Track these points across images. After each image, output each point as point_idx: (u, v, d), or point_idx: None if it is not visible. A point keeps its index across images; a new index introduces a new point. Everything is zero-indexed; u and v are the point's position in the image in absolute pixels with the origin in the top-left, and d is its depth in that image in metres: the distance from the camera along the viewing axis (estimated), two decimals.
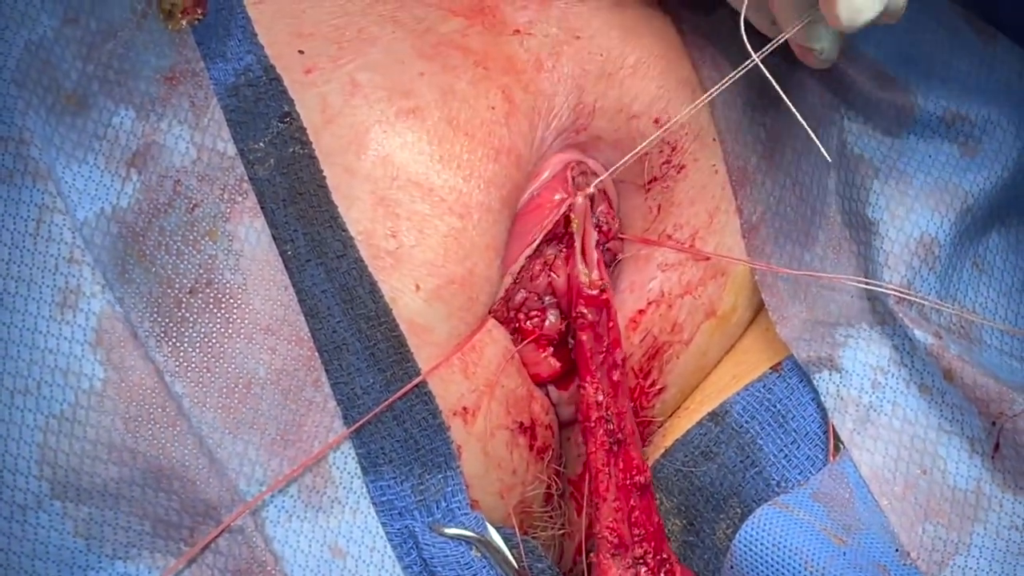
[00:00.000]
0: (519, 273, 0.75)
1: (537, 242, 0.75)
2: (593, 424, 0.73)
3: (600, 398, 0.74)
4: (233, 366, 0.67)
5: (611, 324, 0.74)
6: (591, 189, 0.76)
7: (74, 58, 0.68)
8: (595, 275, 0.74)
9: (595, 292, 0.74)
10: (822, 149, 0.72)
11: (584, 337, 0.74)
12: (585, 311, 0.74)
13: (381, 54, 0.72)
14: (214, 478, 0.66)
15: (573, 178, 0.76)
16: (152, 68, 0.70)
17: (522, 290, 0.75)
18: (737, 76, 0.74)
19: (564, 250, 0.76)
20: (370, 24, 0.73)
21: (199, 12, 0.71)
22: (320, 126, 0.70)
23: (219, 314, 0.67)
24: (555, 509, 0.77)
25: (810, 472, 0.73)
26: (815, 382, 0.74)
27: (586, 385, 0.74)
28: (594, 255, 0.75)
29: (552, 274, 0.75)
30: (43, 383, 0.65)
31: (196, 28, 0.71)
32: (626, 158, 0.75)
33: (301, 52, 0.72)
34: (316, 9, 0.73)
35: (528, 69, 0.74)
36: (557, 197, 0.76)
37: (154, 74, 0.69)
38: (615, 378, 0.74)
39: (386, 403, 0.68)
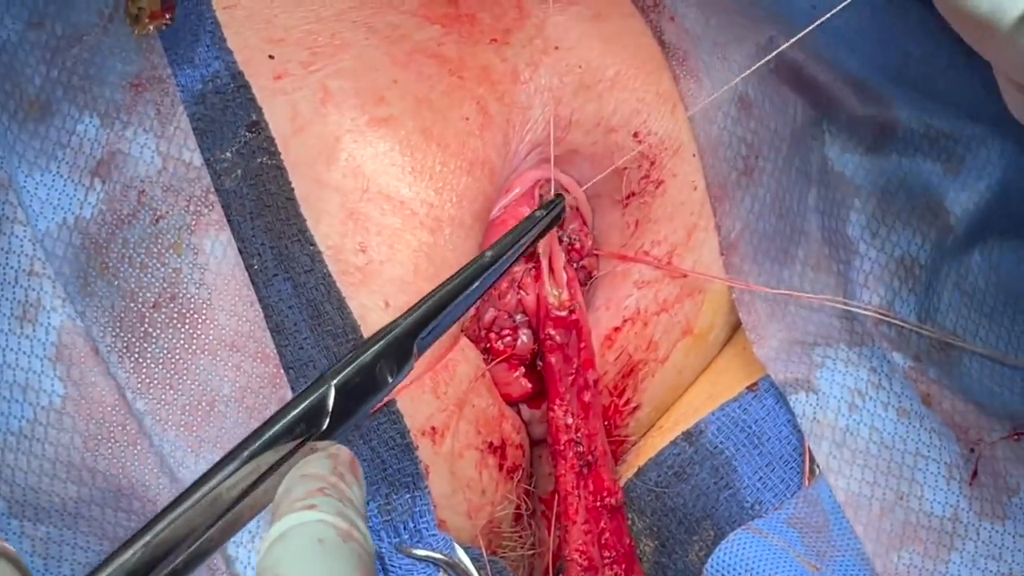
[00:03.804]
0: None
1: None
2: (562, 447, 0.72)
3: (569, 421, 0.72)
4: (196, 383, 0.65)
5: (582, 345, 0.73)
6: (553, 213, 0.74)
7: (38, 63, 0.66)
8: (564, 296, 0.73)
9: (564, 313, 0.73)
10: None
11: (553, 359, 0.72)
12: (553, 333, 0.73)
13: (354, 61, 0.71)
14: None
15: (541, 196, 0.74)
16: (118, 74, 0.68)
17: (491, 308, 0.74)
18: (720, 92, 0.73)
19: (533, 268, 0.74)
20: (343, 30, 0.72)
21: (167, 17, 0.69)
22: (289, 135, 0.69)
23: (183, 330, 0.65)
24: (525, 529, 0.76)
25: (785, 495, 0.72)
26: (791, 404, 0.72)
27: (555, 408, 0.72)
28: (563, 275, 0.74)
29: (521, 291, 0.74)
30: (1, 399, 0.63)
31: (164, 33, 0.69)
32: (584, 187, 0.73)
33: (271, 57, 0.70)
34: (288, 14, 0.72)
35: (504, 80, 0.73)
36: (523, 212, 0.74)
37: (120, 80, 0.68)
38: (586, 399, 0.73)
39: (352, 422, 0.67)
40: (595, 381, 0.74)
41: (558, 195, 0.71)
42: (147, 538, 0.47)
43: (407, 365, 0.54)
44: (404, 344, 0.54)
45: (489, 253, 0.59)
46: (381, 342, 0.53)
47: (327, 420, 0.51)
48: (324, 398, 0.51)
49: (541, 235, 0.66)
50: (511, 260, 0.61)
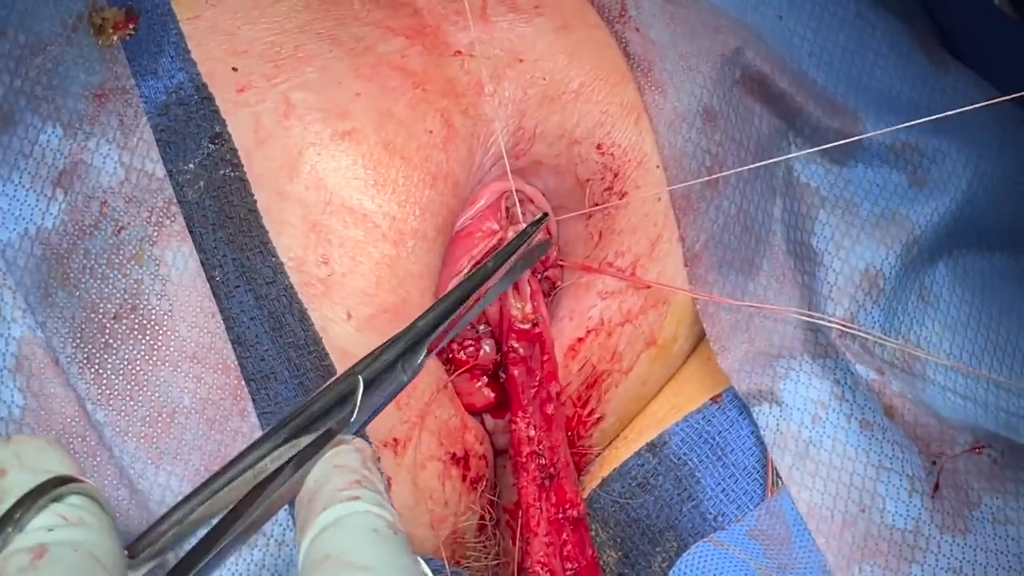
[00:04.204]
0: None
1: (465, 271, 0.73)
2: (524, 459, 0.72)
3: (532, 433, 0.72)
4: (157, 394, 0.65)
5: (545, 357, 0.73)
6: (523, 224, 0.74)
7: (1, 72, 0.66)
8: (528, 308, 0.73)
9: (527, 326, 0.73)
10: None
11: (516, 372, 0.72)
12: (516, 345, 0.73)
13: (317, 73, 0.71)
14: (134, 510, 0.64)
15: (507, 209, 0.74)
16: (81, 84, 0.68)
17: None
18: (680, 105, 0.74)
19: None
20: (307, 42, 0.72)
21: (131, 27, 0.69)
22: (252, 147, 0.68)
23: (144, 341, 0.65)
24: (489, 539, 0.76)
25: (748, 507, 0.72)
26: (755, 415, 0.72)
27: (517, 420, 0.72)
28: (527, 288, 0.74)
29: None
30: None
31: (127, 44, 0.69)
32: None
33: (235, 69, 0.70)
34: (252, 26, 0.71)
35: (468, 92, 0.73)
36: (488, 227, 0.74)
37: (83, 91, 0.68)
38: (549, 412, 0.73)
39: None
40: (558, 393, 0.74)
41: (544, 214, 0.75)
42: (203, 496, 0.51)
43: (421, 364, 0.60)
44: (419, 344, 0.60)
45: (491, 263, 0.66)
46: (402, 341, 0.59)
47: (355, 411, 0.55)
48: (354, 389, 0.56)
49: (535, 255, 0.73)
50: (506, 271, 0.69)
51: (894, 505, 0.71)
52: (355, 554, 0.46)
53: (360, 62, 0.71)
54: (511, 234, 0.74)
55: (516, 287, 0.74)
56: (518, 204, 0.75)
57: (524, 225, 0.74)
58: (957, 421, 0.73)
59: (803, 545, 0.70)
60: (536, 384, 0.73)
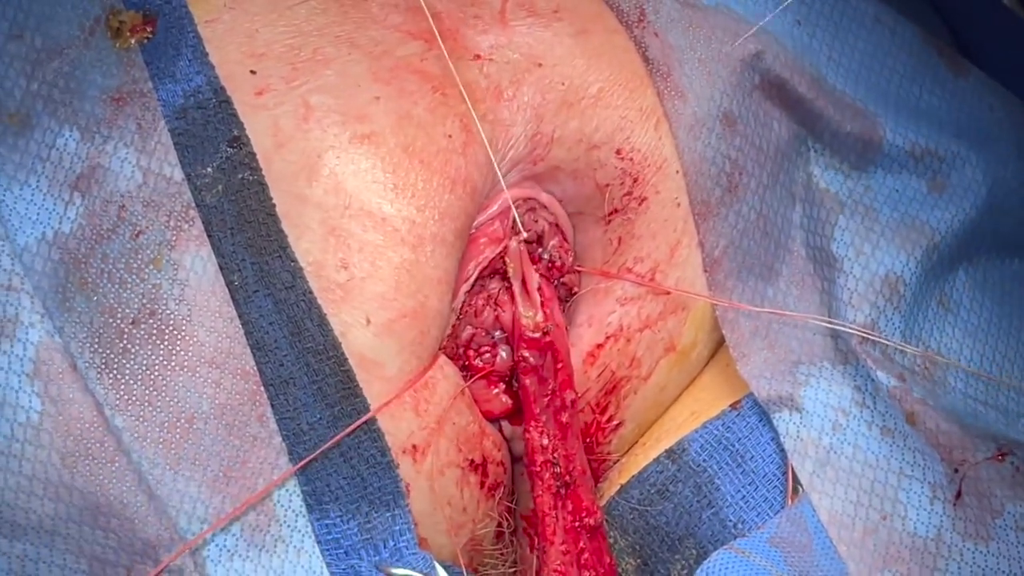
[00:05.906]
0: (461, 309, 0.73)
1: (473, 278, 0.73)
2: (539, 468, 0.72)
3: (545, 442, 0.72)
4: (175, 400, 0.65)
5: (559, 365, 0.72)
6: (524, 235, 0.74)
7: (18, 76, 0.66)
8: (539, 317, 0.73)
9: (537, 335, 0.72)
10: None
11: (527, 381, 0.72)
12: (527, 355, 0.72)
13: (336, 76, 0.70)
14: (153, 516, 0.64)
15: (515, 217, 0.74)
16: (99, 88, 0.67)
17: (468, 326, 0.73)
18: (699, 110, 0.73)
19: (508, 286, 0.74)
20: (326, 45, 0.71)
21: (148, 30, 0.69)
22: (271, 151, 0.68)
23: (162, 346, 0.65)
24: (507, 546, 0.75)
25: (768, 515, 0.72)
26: (775, 422, 0.72)
27: (531, 429, 0.72)
28: (537, 297, 0.73)
29: (499, 308, 0.74)
30: None
31: (145, 47, 0.69)
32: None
33: (253, 72, 0.70)
34: (270, 28, 0.71)
35: (487, 97, 0.72)
36: (494, 231, 0.74)
37: (100, 94, 0.67)
38: (563, 420, 0.72)
39: (333, 440, 0.67)
40: (572, 402, 0.73)
41: None
42: None
43: None
44: None
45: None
46: None
47: None
48: None
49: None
50: None
51: (916, 513, 0.71)
52: None
53: (379, 65, 0.71)
54: (514, 243, 0.73)
55: (527, 295, 0.73)
56: (516, 213, 0.74)
57: (525, 235, 0.74)
58: (979, 428, 0.72)
59: (824, 552, 0.70)
60: (549, 393, 0.72)
